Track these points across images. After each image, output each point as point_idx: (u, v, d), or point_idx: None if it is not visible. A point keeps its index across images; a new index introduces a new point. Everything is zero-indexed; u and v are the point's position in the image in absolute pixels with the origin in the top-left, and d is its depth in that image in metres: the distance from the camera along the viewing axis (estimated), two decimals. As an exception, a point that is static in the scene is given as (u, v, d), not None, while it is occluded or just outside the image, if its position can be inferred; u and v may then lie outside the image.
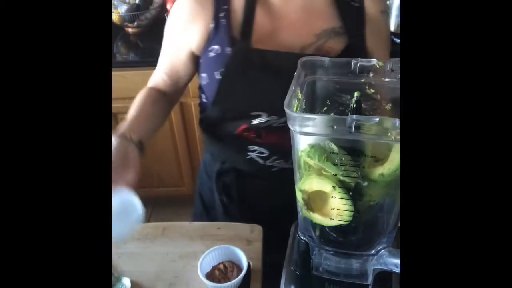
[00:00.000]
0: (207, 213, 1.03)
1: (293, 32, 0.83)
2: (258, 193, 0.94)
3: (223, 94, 0.82)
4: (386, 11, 0.89)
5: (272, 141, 0.86)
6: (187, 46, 0.86)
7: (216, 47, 0.82)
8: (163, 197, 2.08)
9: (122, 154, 0.73)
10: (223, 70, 0.81)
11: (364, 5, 0.85)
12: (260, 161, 0.89)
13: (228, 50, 0.81)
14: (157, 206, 2.09)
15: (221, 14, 0.82)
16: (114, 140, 0.74)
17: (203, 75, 0.86)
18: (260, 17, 0.82)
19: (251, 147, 0.88)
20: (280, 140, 0.86)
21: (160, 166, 2.00)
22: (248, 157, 0.89)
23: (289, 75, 0.77)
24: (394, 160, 0.54)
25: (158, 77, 0.93)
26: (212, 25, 0.82)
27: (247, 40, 0.80)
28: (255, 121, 0.83)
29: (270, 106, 0.81)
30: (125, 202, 0.70)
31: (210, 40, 0.82)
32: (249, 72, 0.80)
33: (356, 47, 0.83)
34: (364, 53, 0.85)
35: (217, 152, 0.96)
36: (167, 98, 0.93)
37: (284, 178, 0.88)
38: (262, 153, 0.88)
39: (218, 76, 0.82)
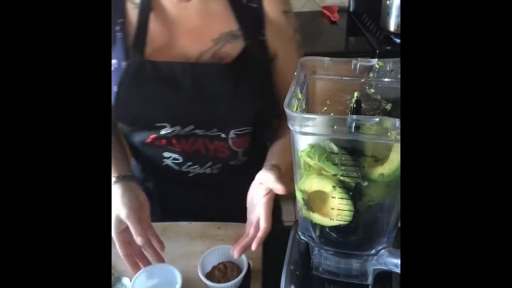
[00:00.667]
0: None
1: (190, 39, 0.81)
2: (178, 200, 0.95)
3: (120, 108, 0.81)
4: (289, 11, 0.87)
5: (184, 148, 0.86)
6: None
7: (114, 61, 0.81)
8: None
9: (135, 196, 0.75)
10: (117, 85, 0.79)
11: (263, 6, 0.82)
12: (176, 167, 0.89)
13: (123, 64, 0.80)
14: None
15: (117, 28, 0.80)
16: (121, 186, 0.76)
17: None
18: (155, 27, 0.81)
19: (165, 154, 0.87)
20: (192, 146, 0.85)
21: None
22: (164, 163, 0.89)
23: (185, 85, 0.78)
24: (394, 160, 0.54)
25: None
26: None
27: (140, 53, 0.79)
28: (162, 131, 0.83)
29: (171, 117, 0.81)
30: (167, 273, 0.76)
31: None
32: (144, 85, 0.79)
33: (254, 49, 0.82)
34: (265, 55, 0.84)
35: (137, 159, 0.96)
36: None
37: (202, 183, 0.91)
38: (177, 159, 0.88)
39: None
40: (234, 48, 0.81)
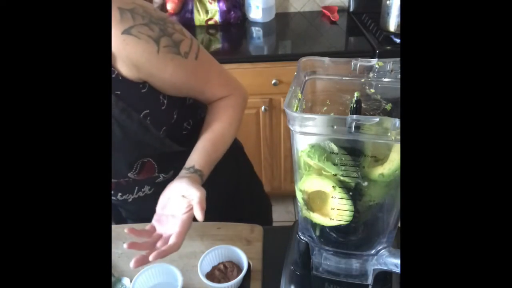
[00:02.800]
0: None
1: None
2: (141, 215, 0.91)
3: None
4: (130, 27, 0.66)
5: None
6: None
7: None
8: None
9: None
10: None
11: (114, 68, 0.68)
12: (112, 198, 0.88)
13: None
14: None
15: None
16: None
17: None
18: None
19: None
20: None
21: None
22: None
23: None
24: (394, 160, 0.54)
25: None
26: None
27: None
28: None
29: None
30: (168, 273, 0.76)
31: None
32: None
33: (119, 107, 0.70)
34: (126, 89, 0.70)
35: None
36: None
37: (149, 200, 0.84)
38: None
39: None
40: None
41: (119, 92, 0.69)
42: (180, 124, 0.85)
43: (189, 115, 0.87)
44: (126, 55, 0.67)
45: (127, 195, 0.87)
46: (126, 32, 0.66)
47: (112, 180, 0.83)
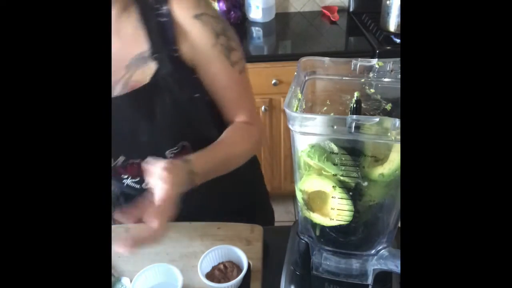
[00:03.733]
0: None
1: None
2: None
3: None
4: (202, 14, 0.76)
5: (133, 173, 0.86)
6: None
7: None
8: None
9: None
10: None
11: (172, 18, 0.75)
12: (136, 185, 0.89)
13: None
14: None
15: None
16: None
17: None
18: None
19: (123, 176, 0.88)
20: (138, 172, 0.83)
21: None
22: (125, 184, 0.90)
23: None
24: (394, 160, 0.54)
25: None
26: None
27: None
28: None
29: None
30: (168, 273, 0.76)
31: None
32: None
33: (166, 69, 0.75)
34: (181, 71, 0.76)
35: None
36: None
37: None
38: (133, 179, 0.88)
39: None
40: (144, 73, 0.75)
41: (176, 71, 0.76)
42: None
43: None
44: (191, 36, 0.75)
45: None
46: (196, 16, 0.75)
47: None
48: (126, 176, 0.88)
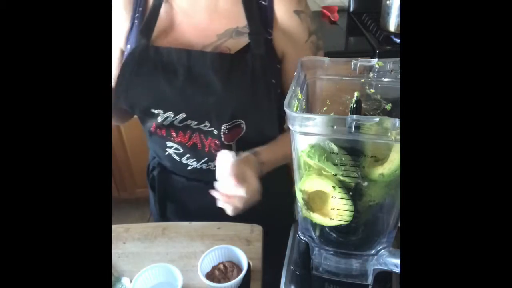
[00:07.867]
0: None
1: (196, 32, 0.83)
2: (179, 190, 0.98)
3: (121, 90, 0.83)
4: (302, 11, 0.83)
5: (182, 140, 0.88)
6: (118, 47, 0.88)
7: (128, 46, 0.85)
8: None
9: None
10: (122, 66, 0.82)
11: (273, 4, 0.82)
12: (177, 158, 0.91)
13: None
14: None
15: (136, 15, 0.85)
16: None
17: None
18: (165, 17, 0.84)
19: (168, 143, 0.90)
20: (189, 140, 0.88)
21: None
22: (166, 153, 0.92)
23: (179, 72, 0.80)
24: (394, 160, 0.54)
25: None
26: (129, 26, 0.85)
27: (146, 38, 0.82)
28: (159, 119, 0.85)
29: (163, 103, 0.83)
30: (168, 273, 0.77)
31: (127, 40, 0.86)
32: (143, 69, 0.81)
33: (257, 46, 0.81)
34: (269, 53, 0.82)
35: (149, 145, 1.00)
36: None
37: (201, 178, 0.92)
38: (177, 149, 0.90)
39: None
40: (236, 43, 0.82)
41: (266, 52, 0.81)
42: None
43: None
44: (287, 28, 0.82)
45: (194, 160, 0.91)
46: (296, 12, 0.82)
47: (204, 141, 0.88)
48: (170, 145, 0.90)
